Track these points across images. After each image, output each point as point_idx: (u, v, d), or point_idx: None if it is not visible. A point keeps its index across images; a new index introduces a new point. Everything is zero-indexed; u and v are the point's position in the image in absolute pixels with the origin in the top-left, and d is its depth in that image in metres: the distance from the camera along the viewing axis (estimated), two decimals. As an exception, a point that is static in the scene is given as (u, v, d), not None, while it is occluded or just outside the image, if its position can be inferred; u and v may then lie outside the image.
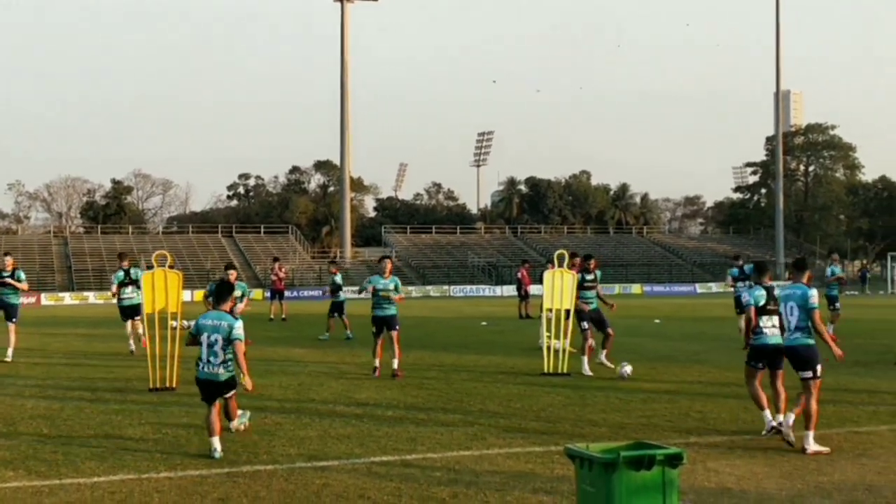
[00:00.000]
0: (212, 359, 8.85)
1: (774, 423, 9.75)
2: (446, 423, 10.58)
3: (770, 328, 9.94)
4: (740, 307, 19.81)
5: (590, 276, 16.13)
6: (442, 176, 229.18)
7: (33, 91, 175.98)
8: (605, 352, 16.10)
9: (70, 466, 8.45)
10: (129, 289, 18.84)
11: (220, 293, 9.25)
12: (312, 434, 9.97)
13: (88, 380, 14.65)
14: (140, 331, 18.57)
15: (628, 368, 14.50)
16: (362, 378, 14.86)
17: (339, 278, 24.25)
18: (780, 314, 9.81)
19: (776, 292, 9.99)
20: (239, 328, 8.90)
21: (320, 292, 59.03)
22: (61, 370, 16.13)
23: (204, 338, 8.86)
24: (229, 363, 8.92)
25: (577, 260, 19.63)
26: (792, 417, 9.39)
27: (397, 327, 15.15)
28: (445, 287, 69.30)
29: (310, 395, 13.02)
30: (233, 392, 9.14)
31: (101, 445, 9.40)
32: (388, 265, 15.19)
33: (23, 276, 18.30)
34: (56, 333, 25.20)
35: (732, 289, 21.45)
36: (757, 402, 10.01)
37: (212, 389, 8.94)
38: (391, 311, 14.97)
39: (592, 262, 16.30)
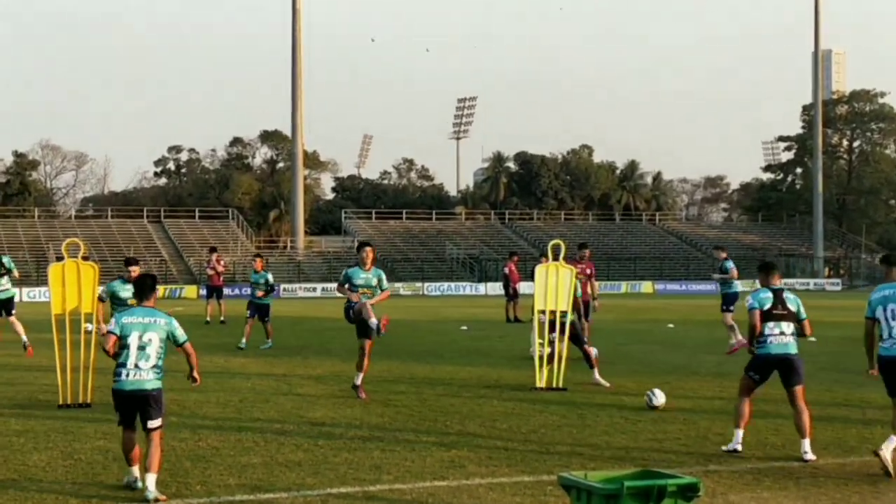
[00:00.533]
0: (141, 363, 8.69)
1: (739, 447, 10.30)
2: (418, 448, 10.60)
3: (777, 335, 10.29)
4: (725, 303, 21.83)
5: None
6: (414, 151, 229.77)
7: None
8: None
9: (-39, 500, 8.39)
10: (4, 279, 19.47)
11: (143, 288, 9.17)
12: (256, 461, 9.96)
13: (-16, 395, 14.53)
14: (19, 330, 19.10)
15: (661, 399, 13.50)
16: (317, 394, 14.84)
17: (269, 276, 23.10)
18: (789, 320, 10.36)
19: (786, 294, 10.45)
20: (179, 326, 8.98)
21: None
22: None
23: (133, 338, 8.71)
24: (160, 369, 8.84)
25: (587, 252, 19.74)
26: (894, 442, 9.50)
27: (373, 337, 14.48)
28: (418, 284, 69.38)
29: (253, 413, 13.00)
30: (159, 422, 8.73)
31: (-2, 474, 9.34)
32: (369, 254, 14.62)
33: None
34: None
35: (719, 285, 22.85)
36: (738, 418, 10.42)
37: (136, 403, 8.70)
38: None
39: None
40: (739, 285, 23.05)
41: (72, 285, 13.65)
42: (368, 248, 14.75)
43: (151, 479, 8.41)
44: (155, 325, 8.82)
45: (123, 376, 8.72)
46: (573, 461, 9.98)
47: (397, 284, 68.81)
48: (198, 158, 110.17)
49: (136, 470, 8.76)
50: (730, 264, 22.22)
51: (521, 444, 10.91)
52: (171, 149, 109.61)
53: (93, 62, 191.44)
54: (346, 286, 14.42)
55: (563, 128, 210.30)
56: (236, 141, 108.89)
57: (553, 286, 15.54)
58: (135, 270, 17.45)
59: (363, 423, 12.23)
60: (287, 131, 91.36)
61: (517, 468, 9.69)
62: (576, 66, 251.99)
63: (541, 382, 15.15)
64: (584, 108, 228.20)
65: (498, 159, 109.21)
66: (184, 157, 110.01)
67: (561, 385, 15.11)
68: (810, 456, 10.03)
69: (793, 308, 10.52)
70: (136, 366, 8.71)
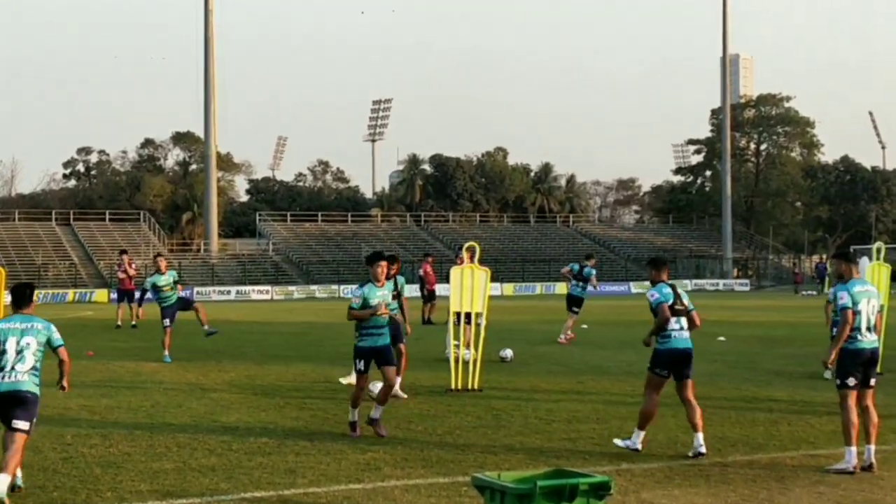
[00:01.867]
0: (18, 365, 8.77)
1: (639, 447, 10.39)
2: (333, 451, 10.57)
3: (679, 330, 10.46)
4: (576, 305, 24.67)
5: None
6: (329, 153, 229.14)
7: None
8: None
9: None
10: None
11: (21, 296, 9.20)
12: (168, 466, 9.83)
13: None
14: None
15: (509, 352, 16.16)
16: (231, 398, 14.70)
17: (169, 277, 20.79)
18: (685, 315, 10.49)
19: (679, 290, 10.66)
20: (57, 331, 9.09)
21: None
22: None
23: (10, 343, 8.79)
24: (37, 373, 8.89)
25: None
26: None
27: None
28: (334, 287, 69.08)
29: (165, 418, 12.83)
30: (27, 426, 8.63)
31: None
32: (383, 268, 12.04)
33: None
34: None
35: (569, 283, 25.29)
36: (645, 419, 10.49)
37: (12, 403, 8.67)
38: (386, 338, 11.80)
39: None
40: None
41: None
42: (381, 263, 12.00)
43: (3, 480, 8.20)
44: (32, 329, 8.94)
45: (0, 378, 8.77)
46: (488, 462, 10.03)
47: (312, 287, 68.57)
48: (108, 160, 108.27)
49: (3, 479, 8.24)
50: (594, 272, 24.97)
51: (437, 445, 10.94)
52: (80, 150, 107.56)
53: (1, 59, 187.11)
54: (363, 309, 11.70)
55: (478, 131, 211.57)
56: (148, 142, 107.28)
57: (468, 287, 15.62)
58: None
59: (278, 426, 12.15)
60: (200, 132, 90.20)
61: (432, 469, 9.71)
62: (490, 68, 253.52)
63: (456, 384, 15.20)
64: (499, 110, 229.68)
65: (413, 162, 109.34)
66: (94, 158, 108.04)
67: (476, 386, 15.18)
68: (703, 449, 10.23)
69: (686, 302, 10.68)
70: (13, 368, 8.76)
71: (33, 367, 8.86)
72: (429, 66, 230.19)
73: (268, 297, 65.06)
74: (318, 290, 67.98)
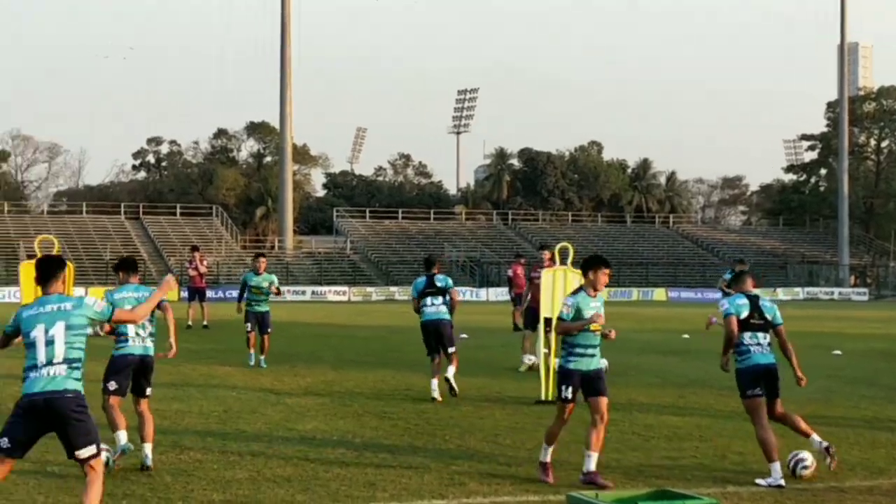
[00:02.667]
0: (54, 358, 7.60)
1: (782, 482, 9.79)
2: (415, 465, 10.60)
3: (756, 346, 10.26)
4: None
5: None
6: (411, 145, 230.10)
7: None
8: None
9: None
10: None
11: (47, 271, 8.03)
12: (242, 475, 9.96)
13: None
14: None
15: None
16: (307, 405, 14.84)
17: (264, 279, 20.51)
18: (766, 330, 10.30)
19: (763, 302, 10.43)
20: (96, 302, 8.03)
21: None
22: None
23: (38, 332, 7.67)
24: (77, 366, 7.71)
25: (547, 254, 19.96)
26: None
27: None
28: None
29: (238, 425, 13.00)
30: (97, 445, 7.63)
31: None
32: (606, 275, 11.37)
33: None
34: None
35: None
36: (770, 449, 9.95)
37: (52, 416, 7.52)
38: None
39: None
40: None
41: (45, 285, 13.61)
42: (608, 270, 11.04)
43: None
44: (62, 312, 7.72)
45: (34, 378, 7.60)
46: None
47: (392, 288, 68.92)
48: (179, 151, 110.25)
49: None
50: None
51: (526, 461, 10.90)
52: (150, 140, 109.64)
53: (68, 47, 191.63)
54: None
55: (571, 123, 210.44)
56: (221, 133, 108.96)
57: (560, 292, 15.52)
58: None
59: (357, 436, 12.23)
60: (275, 123, 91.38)
61: (522, 487, 9.68)
62: (584, 56, 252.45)
63: (546, 395, 15.14)
64: (594, 102, 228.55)
65: (501, 156, 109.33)
66: (164, 149, 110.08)
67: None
68: (825, 443, 10.37)
69: (769, 317, 10.41)
70: (49, 362, 7.61)
71: (72, 360, 7.67)
72: (518, 54, 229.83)
73: (345, 298, 65.57)
74: (397, 293, 68.24)
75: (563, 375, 10.28)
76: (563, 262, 15.82)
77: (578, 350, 10.23)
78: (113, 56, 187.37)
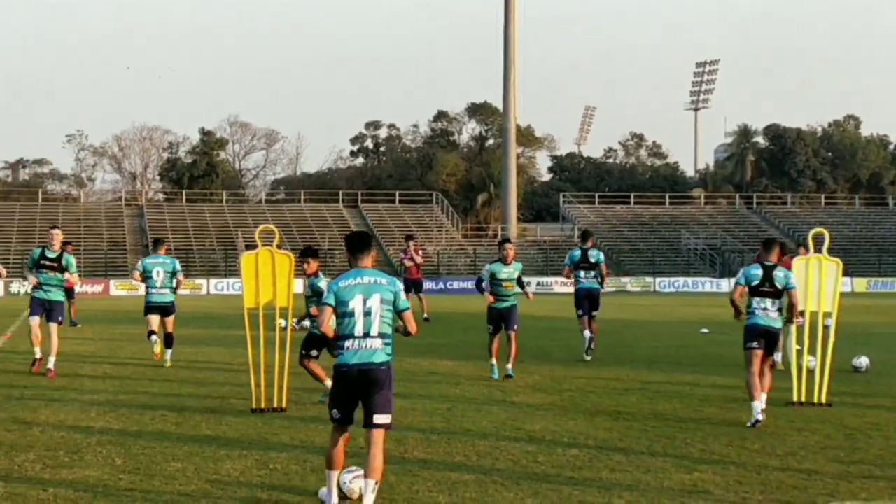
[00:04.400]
0: (371, 331, 8.66)
1: (761, 416, 12.96)
2: (653, 469, 10.52)
3: (762, 310, 13.46)
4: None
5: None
6: (644, 124, 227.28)
7: (100, 14, 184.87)
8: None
9: (151, 509, 8.87)
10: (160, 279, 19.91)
11: (360, 244, 9.05)
12: (468, 477, 10.09)
13: (173, 396, 15.32)
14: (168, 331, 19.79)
15: (864, 360, 17.07)
16: (535, 404, 14.92)
17: (514, 269, 18.50)
18: (775, 297, 13.44)
19: (776, 272, 13.46)
20: (403, 290, 9.01)
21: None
22: (137, 383, 16.93)
23: (356, 303, 8.70)
24: (390, 342, 8.79)
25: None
26: None
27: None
28: (649, 279, 68.80)
29: (463, 423, 13.18)
30: (391, 415, 8.76)
31: (189, 483, 9.82)
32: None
33: (73, 262, 18.80)
34: (130, 334, 26.42)
35: None
36: (752, 390, 13.24)
37: (366, 384, 8.63)
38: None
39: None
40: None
41: (266, 277, 14.13)
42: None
43: (370, 487, 8.47)
44: (378, 285, 8.78)
45: (347, 350, 8.69)
46: (840, 490, 9.69)
47: (623, 279, 68.43)
48: (398, 135, 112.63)
49: (335, 475, 8.92)
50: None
51: (777, 468, 10.65)
52: (368, 125, 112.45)
53: (283, 32, 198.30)
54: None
55: (823, 96, 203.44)
56: (441, 115, 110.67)
57: (814, 283, 15.07)
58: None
59: (589, 437, 12.22)
60: (498, 103, 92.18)
61: (772, 496, 9.46)
62: (837, 21, 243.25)
63: (799, 396, 14.75)
64: (849, 71, 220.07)
65: (744, 133, 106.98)
66: (383, 133, 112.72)
67: (824, 400, 14.66)
68: (761, 416, 12.95)
69: (779, 286, 13.40)
70: (366, 335, 8.69)
71: (385, 335, 8.74)
72: (762, 21, 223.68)
73: (571, 289, 65.45)
74: (629, 283, 67.84)
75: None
76: (817, 250, 15.33)
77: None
78: (330, 40, 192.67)
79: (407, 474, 10.16)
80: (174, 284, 19.82)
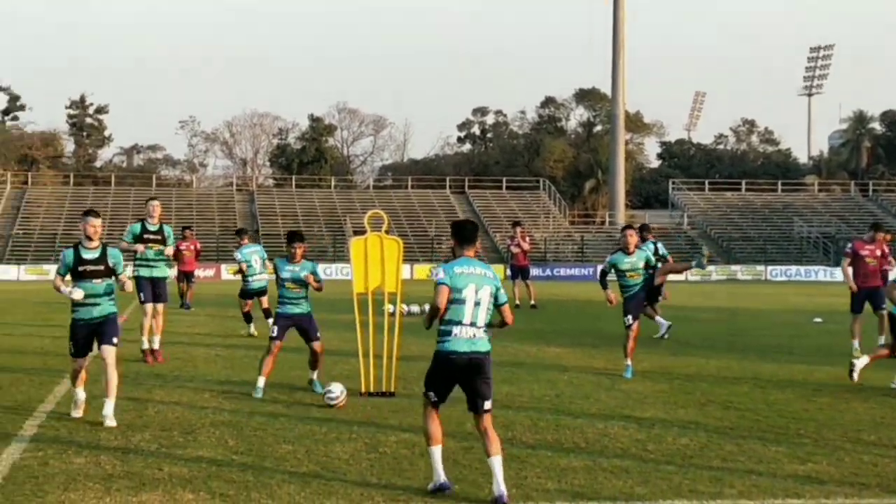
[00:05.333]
0: (478, 321, 8.94)
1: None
2: (766, 459, 10.39)
3: None
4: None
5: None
6: (756, 110, 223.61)
7: (211, 1, 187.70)
8: None
9: (263, 490, 9.01)
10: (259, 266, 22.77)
11: (468, 233, 9.27)
12: (577, 464, 10.07)
13: (283, 378, 15.52)
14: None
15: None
16: (644, 391, 14.83)
17: (638, 258, 18.75)
18: None
19: None
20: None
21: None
22: (249, 365, 17.18)
23: (469, 292, 8.91)
24: (490, 332, 9.09)
25: (887, 237, 19.86)
26: None
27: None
28: (760, 267, 67.83)
29: (571, 410, 13.16)
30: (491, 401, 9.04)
31: (300, 465, 9.95)
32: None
33: (170, 233, 17.93)
34: (241, 316, 26.81)
35: None
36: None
37: (474, 372, 8.91)
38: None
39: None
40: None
41: (375, 262, 14.25)
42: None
43: (498, 463, 8.74)
44: (486, 277, 9.07)
45: (454, 336, 8.92)
46: (962, 485, 9.45)
47: (734, 267, 67.61)
48: (505, 122, 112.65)
49: (438, 450, 9.03)
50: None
51: (895, 460, 10.43)
52: (475, 111, 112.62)
53: (391, 19, 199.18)
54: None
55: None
56: (548, 101, 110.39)
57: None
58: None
59: (699, 427, 12.10)
60: (606, 89, 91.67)
61: (890, 488, 9.27)
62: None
63: (917, 388, 14.44)
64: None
65: (859, 119, 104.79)
66: (490, 120, 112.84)
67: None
68: None
69: None
70: (473, 324, 8.94)
71: (487, 325, 9.05)
72: (879, 4, 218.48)
73: (680, 277, 64.85)
74: (739, 272, 67.00)
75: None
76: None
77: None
78: (437, 26, 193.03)
79: (515, 460, 10.16)
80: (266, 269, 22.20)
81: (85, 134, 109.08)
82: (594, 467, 9.97)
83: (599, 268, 17.24)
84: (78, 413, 12.26)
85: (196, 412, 12.74)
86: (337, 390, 13.19)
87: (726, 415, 12.96)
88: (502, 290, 9.17)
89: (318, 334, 14.67)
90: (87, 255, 12.14)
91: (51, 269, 63.79)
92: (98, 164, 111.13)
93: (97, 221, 12.28)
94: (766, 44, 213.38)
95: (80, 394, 12.41)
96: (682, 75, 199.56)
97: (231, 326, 24.45)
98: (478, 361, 8.90)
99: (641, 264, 16.67)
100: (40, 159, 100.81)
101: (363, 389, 14.03)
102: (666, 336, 21.64)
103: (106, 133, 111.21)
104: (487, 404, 8.93)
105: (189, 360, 17.81)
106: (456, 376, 8.96)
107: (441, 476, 8.97)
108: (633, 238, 16.85)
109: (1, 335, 22.00)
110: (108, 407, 11.85)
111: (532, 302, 31.75)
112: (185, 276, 32.24)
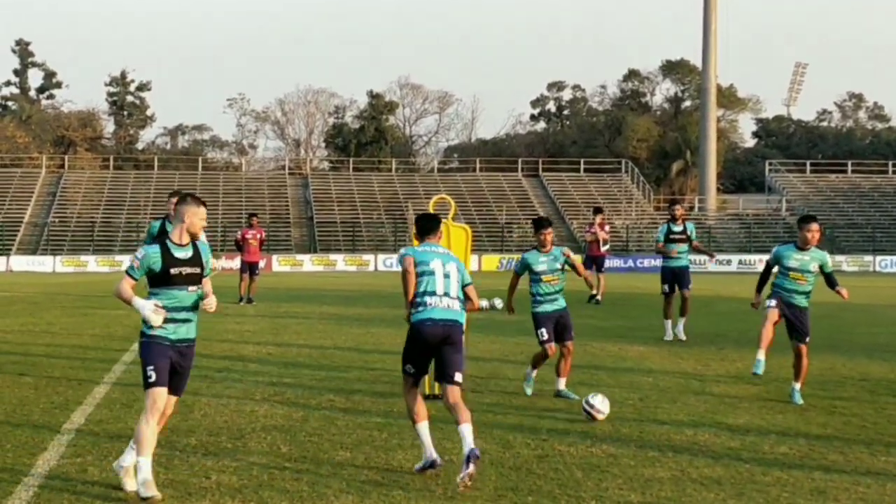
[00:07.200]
0: (450, 291, 10.14)
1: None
2: (874, 470, 10.30)
3: None
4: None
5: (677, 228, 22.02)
6: (863, 83, 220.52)
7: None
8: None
9: (318, 501, 9.07)
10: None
11: (427, 225, 10.63)
12: (663, 474, 10.03)
13: (340, 380, 15.62)
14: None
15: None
16: (737, 395, 14.74)
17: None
18: None
19: None
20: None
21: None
22: (302, 365, 17.29)
23: (436, 265, 10.19)
24: (463, 305, 10.32)
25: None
26: None
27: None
28: (868, 258, 67.12)
29: (657, 415, 13.10)
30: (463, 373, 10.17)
31: (359, 474, 9.99)
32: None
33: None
34: (294, 313, 27.05)
35: None
36: None
37: (446, 341, 10.02)
38: None
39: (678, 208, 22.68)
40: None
41: (440, 251, 14.25)
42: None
43: (468, 430, 9.71)
44: (451, 257, 10.44)
45: (429, 306, 10.10)
46: None
47: (839, 257, 66.85)
48: (583, 97, 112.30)
49: (425, 426, 9.95)
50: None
51: None
52: (551, 86, 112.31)
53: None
54: None
55: None
56: (632, 74, 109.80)
57: None
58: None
59: (799, 434, 12.01)
60: (696, 61, 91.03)
61: None
62: None
63: None
64: None
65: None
66: (566, 95, 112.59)
67: None
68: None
69: None
70: (446, 293, 10.15)
71: (460, 299, 10.20)
72: None
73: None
74: (845, 262, 66.30)
75: None
76: None
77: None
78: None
79: (594, 470, 10.14)
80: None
81: (126, 113, 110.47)
82: (682, 478, 9.92)
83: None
84: (130, 485, 9.22)
85: (246, 416, 12.83)
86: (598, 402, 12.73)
87: (830, 420, 12.84)
88: (467, 272, 10.47)
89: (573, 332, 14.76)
90: (178, 254, 9.22)
91: (89, 261, 64.80)
92: (140, 146, 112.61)
93: (204, 212, 9.50)
94: (873, 9, 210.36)
95: (145, 463, 9.00)
96: (781, 44, 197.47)
97: (283, 323, 24.62)
98: (451, 330, 10.01)
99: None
100: (78, 141, 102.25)
101: (427, 391, 14.06)
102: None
103: (148, 112, 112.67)
104: (458, 376, 9.96)
105: (238, 360, 17.95)
106: (431, 346, 10.04)
107: (431, 453, 9.82)
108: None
109: (37, 332, 22.30)
110: (142, 465, 8.99)
111: (598, 296, 31.46)
112: (249, 268, 31.38)
